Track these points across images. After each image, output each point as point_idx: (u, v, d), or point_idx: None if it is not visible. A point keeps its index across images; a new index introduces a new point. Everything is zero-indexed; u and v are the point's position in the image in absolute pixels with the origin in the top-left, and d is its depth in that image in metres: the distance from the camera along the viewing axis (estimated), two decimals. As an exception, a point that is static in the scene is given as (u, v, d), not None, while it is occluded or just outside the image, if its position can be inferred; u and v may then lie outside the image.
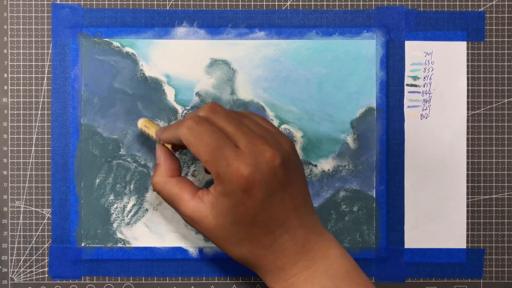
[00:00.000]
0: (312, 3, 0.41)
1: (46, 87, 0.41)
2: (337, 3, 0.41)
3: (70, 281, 0.41)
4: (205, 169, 0.36)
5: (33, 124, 0.41)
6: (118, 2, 0.41)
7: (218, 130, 0.31)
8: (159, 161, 0.34)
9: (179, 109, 0.41)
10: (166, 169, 0.34)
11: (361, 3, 0.41)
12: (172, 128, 0.33)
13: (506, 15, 0.41)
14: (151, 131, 0.36)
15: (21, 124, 0.41)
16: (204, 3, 0.41)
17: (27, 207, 0.41)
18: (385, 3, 0.41)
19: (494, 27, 0.41)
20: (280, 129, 0.41)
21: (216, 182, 0.30)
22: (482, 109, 0.41)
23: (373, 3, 0.41)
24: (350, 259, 0.32)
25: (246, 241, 0.31)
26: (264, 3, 0.41)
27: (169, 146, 0.35)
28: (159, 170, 0.34)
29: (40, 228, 0.41)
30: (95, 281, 0.41)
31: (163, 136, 0.34)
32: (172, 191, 0.33)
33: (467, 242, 0.41)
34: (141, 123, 0.38)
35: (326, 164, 0.41)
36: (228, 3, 0.41)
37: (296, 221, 0.32)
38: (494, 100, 0.41)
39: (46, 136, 0.41)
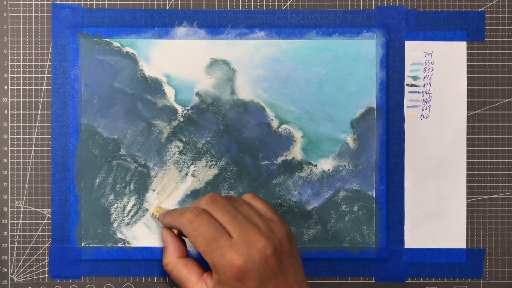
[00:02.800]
0: (312, 3, 0.41)
1: (46, 87, 0.41)
2: (337, 3, 0.41)
3: (70, 281, 0.41)
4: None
5: (33, 124, 0.41)
6: (118, 2, 0.41)
7: (215, 221, 0.33)
8: (167, 244, 0.37)
9: (179, 109, 0.41)
10: (174, 250, 0.36)
11: (361, 3, 0.41)
12: (174, 217, 0.35)
13: (506, 15, 0.41)
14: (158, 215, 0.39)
15: (21, 124, 0.41)
16: (204, 3, 0.41)
17: (27, 207, 0.41)
18: (385, 3, 0.41)
19: (494, 27, 0.41)
20: (280, 129, 0.41)
21: (213, 271, 0.33)
22: (482, 109, 0.41)
23: (373, 3, 0.41)
24: None
25: None
26: (264, 3, 0.41)
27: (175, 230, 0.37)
28: (168, 252, 0.36)
29: (40, 228, 0.41)
30: (95, 281, 0.41)
31: (165, 220, 0.37)
32: (181, 272, 0.35)
33: (467, 242, 0.41)
34: (153, 209, 0.40)
35: (326, 164, 0.41)
36: (228, 3, 0.41)
37: None
38: (494, 100, 0.41)
39: (46, 136, 0.41)
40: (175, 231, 0.37)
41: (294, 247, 0.34)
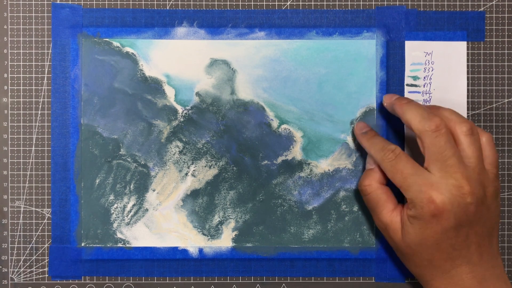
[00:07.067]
0: (312, 3, 0.41)
1: (46, 87, 0.41)
2: (337, 3, 0.41)
3: (70, 281, 0.41)
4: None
5: (33, 124, 0.41)
6: (118, 2, 0.41)
7: (413, 160, 0.35)
8: (372, 167, 0.38)
9: (179, 109, 0.41)
10: (380, 176, 0.37)
11: (361, 3, 0.41)
12: (374, 148, 0.37)
13: (506, 15, 0.41)
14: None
15: (21, 124, 0.41)
16: (204, 3, 0.41)
17: (27, 207, 0.41)
18: (385, 3, 0.41)
19: (494, 27, 0.41)
20: (280, 129, 0.41)
21: (410, 205, 0.34)
22: (482, 109, 0.41)
23: (373, 3, 0.41)
24: None
25: (426, 262, 0.34)
26: (264, 3, 0.41)
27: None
28: (373, 175, 0.37)
29: (40, 228, 0.41)
30: (95, 281, 0.41)
31: (364, 143, 0.38)
32: (381, 197, 0.37)
33: (467, 242, 0.41)
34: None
35: (326, 164, 0.41)
36: (228, 3, 0.41)
37: (477, 258, 0.34)
38: (494, 100, 0.41)
39: (46, 136, 0.41)
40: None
41: (497, 204, 0.35)
